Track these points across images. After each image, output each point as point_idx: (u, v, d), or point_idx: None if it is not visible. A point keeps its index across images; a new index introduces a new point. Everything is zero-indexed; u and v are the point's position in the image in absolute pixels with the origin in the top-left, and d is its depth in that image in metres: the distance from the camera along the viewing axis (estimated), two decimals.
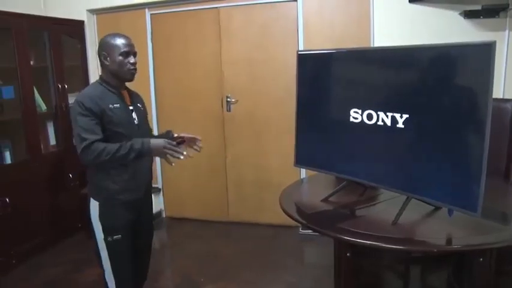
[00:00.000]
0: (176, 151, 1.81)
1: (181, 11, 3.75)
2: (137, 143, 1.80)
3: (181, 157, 1.81)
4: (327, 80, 2.02)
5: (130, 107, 1.96)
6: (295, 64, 2.10)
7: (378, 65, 1.78)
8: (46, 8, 3.84)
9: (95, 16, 4.03)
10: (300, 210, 1.90)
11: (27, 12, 3.29)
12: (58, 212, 3.41)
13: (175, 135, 2.08)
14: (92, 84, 1.97)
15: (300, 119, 2.11)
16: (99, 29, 4.03)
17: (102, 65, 1.91)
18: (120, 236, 1.89)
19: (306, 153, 2.11)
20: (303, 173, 3.46)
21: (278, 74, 3.52)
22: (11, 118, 3.21)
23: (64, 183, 3.53)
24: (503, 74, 2.85)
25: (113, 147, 1.76)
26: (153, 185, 4.06)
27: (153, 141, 1.83)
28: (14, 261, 3.07)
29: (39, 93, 3.35)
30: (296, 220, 1.82)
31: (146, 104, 3.96)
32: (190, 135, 2.10)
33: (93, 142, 1.74)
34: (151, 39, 3.89)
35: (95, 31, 4.02)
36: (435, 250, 1.59)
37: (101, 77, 1.94)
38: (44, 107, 3.45)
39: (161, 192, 4.14)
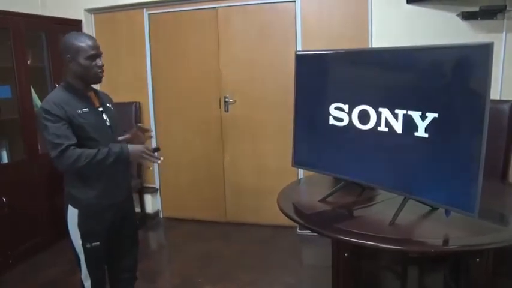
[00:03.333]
0: (153, 157, 1.81)
1: (180, 11, 3.75)
2: (115, 147, 1.76)
3: (159, 162, 1.83)
4: (325, 80, 2.02)
5: (100, 109, 1.89)
6: (294, 64, 2.10)
7: (376, 66, 1.78)
8: (43, 7, 3.83)
9: (92, 15, 4.02)
10: (297, 211, 1.90)
11: (25, 11, 3.28)
12: (55, 212, 3.40)
13: (140, 124, 2.08)
14: (57, 89, 1.86)
15: (298, 120, 2.12)
16: (97, 29, 4.03)
17: (67, 67, 1.82)
18: (98, 243, 1.88)
19: (304, 154, 2.11)
20: (301, 173, 3.46)
21: (276, 75, 3.52)
22: (7, 118, 3.21)
23: (61, 183, 3.52)
24: (501, 76, 2.86)
25: (90, 152, 1.70)
26: (151, 185, 4.07)
27: (131, 146, 1.80)
28: (11, 262, 3.06)
29: (36, 92, 3.33)
30: (294, 220, 1.82)
31: (143, 104, 4.03)
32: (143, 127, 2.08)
33: (68, 147, 1.68)
34: (149, 39, 3.89)
35: (92, 31, 4.01)
36: (432, 250, 1.59)
37: (65, 80, 1.85)
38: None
39: (158, 192, 4.13)
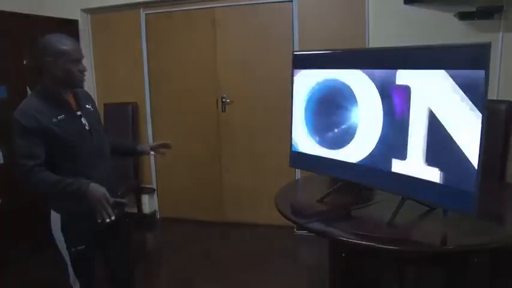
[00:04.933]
0: (108, 211, 1.64)
1: (177, 11, 3.74)
2: (76, 183, 1.66)
3: (108, 220, 1.65)
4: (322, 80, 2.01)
5: (78, 113, 1.80)
6: (291, 64, 2.10)
7: (373, 66, 1.77)
8: (40, 7, 3.80)
9: (89, 16, 4.01)
10: (295, 211, 1.90)
11: (21, 11, 3.26)
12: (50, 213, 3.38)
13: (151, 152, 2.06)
14: (30, 96, 1.77)
15: (295, 120, 2.11)
16: (93, 29, 4.01)
17: (46, 70, 1.72)
18: (83, 246, 1.83)
19: (301, 154, 2.10)
20: (298, 173, 3.46)
21: (273, 74, 3.52)
22: (3, 118, 3.18)
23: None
24: (498, 76, 2.86)
25: (50, 181, 1.64)
26: (148, 186, 4.06)
27: (94, 187, 1.66)
28: (6, 263, 3.03)
29: None
30: (291, 221, 1.81)
31: (140, 104, 4.02)
32: (159, 143, 2.07)
33: (32, 168, 1.62)
34: (146, 39, 3.87)
35: (89, 31, 4.00)
36: (430, 250, 1.59)
37: (41, 85, 1.75)
38: None
39: (155, 192, 4.12)
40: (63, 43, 1.71)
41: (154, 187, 4.11)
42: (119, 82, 3.99)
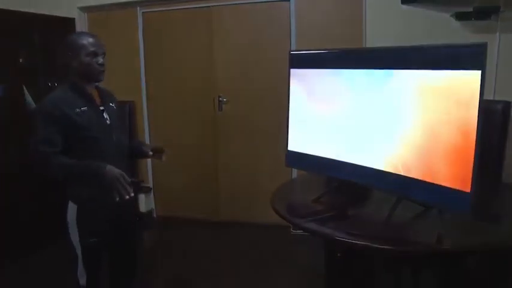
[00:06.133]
0: (126, 189, 1.68)
1: (174, 9, 3.74)
2: (93, 164, 1.71)
3: (127, 197, 1.69)
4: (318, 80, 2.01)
5: (101, 107, 1.88)
6: (287, 64, 2.10)
7: (370, 65, 1.77)
8: (36, 5, 3.78)
9: (86, 14, 3.99)
10: (291, 211, 1.89)
11: (17, 8, 3.24)
12: (49, 212, 3.36)
13: (150, 152, 2.01)
14: (59, 87, 1.86)
15: (292, 119, 2.11)
16: (90, 27, 3.99)
17: (69, 66, 1.82)
18: (96, 239, 1.86)
19: (297, 154, 2.10)
20: (295, 172, 3.46)
21: (270, 74, 3.51)
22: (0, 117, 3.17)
23: (55, 183, 3.49)
24: (494, 76, 2.86)
25: (67, 163, 1.69)
26: (144, 184, 4.05)
27: (111, 168, 1.70)
28: (4, 262, 3.02)
29: (29, 92, 3.30)
30: (287, 220, 1.81)
31: (137, 104, 4.02)
32: (156, 146, 2.06)
33: (49, 154, 1.68)
34: (143, 37, 3.87)
35: (86, 29, 3.98)
36: (426, 250, 1.59)
37: (68, 79, 1.84)
38: (34, 105, 3.40)
39: (152, 191, 4.11)
40: (82, 38, 1.81)
41: (151, 186, 4.10)
42: (116, 81, 3.94)
